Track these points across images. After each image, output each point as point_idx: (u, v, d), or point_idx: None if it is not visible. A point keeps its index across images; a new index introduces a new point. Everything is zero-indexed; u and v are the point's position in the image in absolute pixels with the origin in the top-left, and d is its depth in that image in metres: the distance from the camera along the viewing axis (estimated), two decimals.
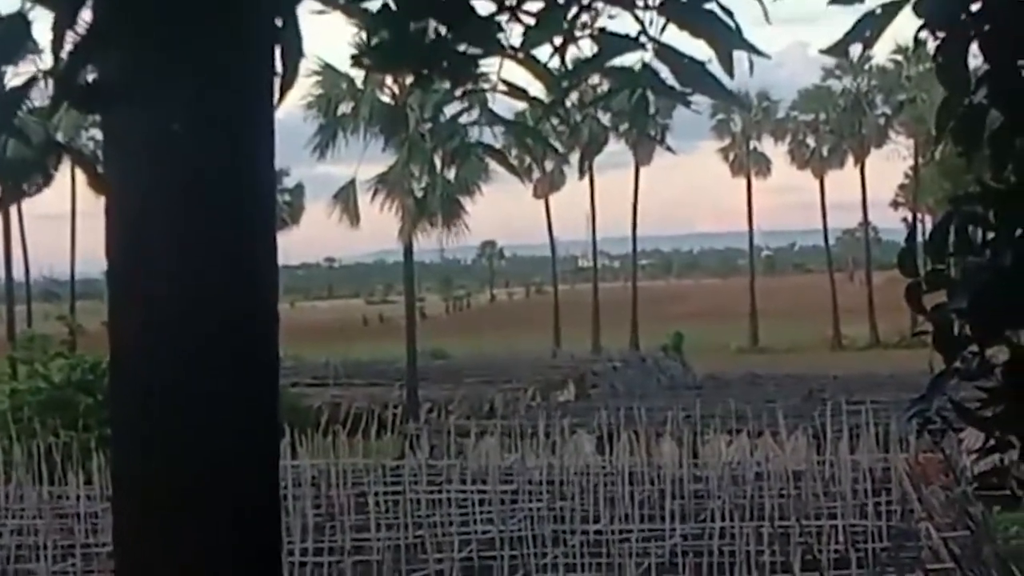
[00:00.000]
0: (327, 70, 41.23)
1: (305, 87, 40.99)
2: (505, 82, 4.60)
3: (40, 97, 4.36)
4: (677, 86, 4.01)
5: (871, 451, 25.18)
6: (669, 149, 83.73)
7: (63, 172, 70.88)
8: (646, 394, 41.59)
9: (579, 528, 19.68)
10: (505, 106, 4.92)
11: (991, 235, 3.73)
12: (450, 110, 5.60)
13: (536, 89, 4.54)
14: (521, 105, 4.97)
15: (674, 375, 54.21)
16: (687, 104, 4.18)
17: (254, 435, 4.56)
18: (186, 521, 4.46)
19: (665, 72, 4.03)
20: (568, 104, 4.82)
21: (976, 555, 20.08)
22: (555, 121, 5.81)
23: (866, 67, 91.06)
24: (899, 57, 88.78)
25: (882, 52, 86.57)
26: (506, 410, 41.64)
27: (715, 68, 3.90)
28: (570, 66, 4.35)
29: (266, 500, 4.66)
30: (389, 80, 40.52)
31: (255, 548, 4.60)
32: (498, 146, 5.50)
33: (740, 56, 4.11)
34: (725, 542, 18.16)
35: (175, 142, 4.32)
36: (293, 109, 42.21)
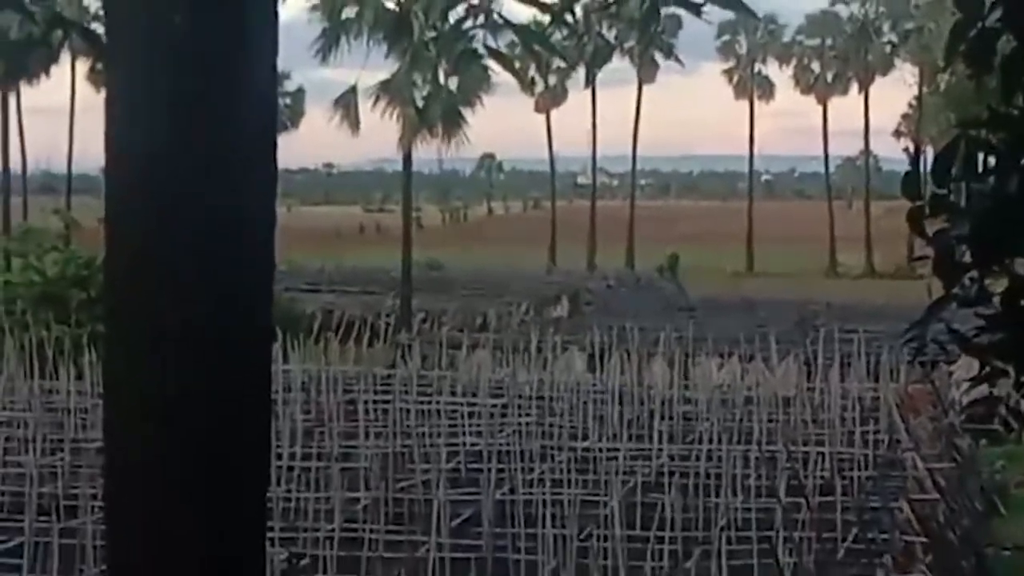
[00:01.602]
0: None
1: None
2: None
3: None
4: None
5: (861, 380, 25.25)
6: (678, 60, 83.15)
7: (63, 65, 70.72)
8: (639, 314, 41.63)
9: (567, 444, 19.74)
10: (511, 16, 4.87)
11: (996, 161, 3.69)
12: (456, 19, 5.54)
13: None
14: (526, 17, 4.93)
15: (668, 296, 54.23)
16: (698, 14, 4.13)
17: (246, 336, 4.55)
18: (176, 419, 4.45)
19: None
20: (576, 13, 4.78)
21: (961, 487, 20.17)
22: (562, 32, 5.75)
23: None
24: None
25: None
26: (499, 324, 41.72)
27: None
28: None
29: (256, 401, 4.66)
30: None
31: (245, 448, 4.60)
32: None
33: None
34: (712, 464, 18.22)
35: (176, 34, 4.27)
36: (297, 12, 41.96)
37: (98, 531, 13.93)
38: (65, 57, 65.60)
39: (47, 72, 65.09)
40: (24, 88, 67.40)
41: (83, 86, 72.13)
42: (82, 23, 40.82)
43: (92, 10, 56.87)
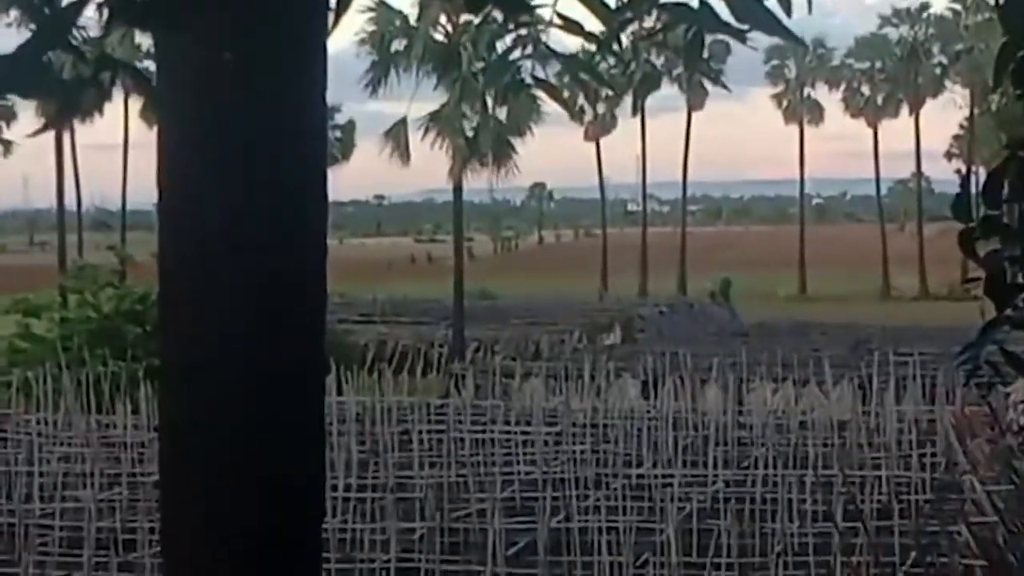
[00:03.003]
0: (380, 6, 41.19)
1: (358, 23, 40.99)
2: (560, 15, 4.57)
3: (95, 26, 4.36)
4: (733, 22, 3.96)
5: (917, 402, 25.09)
6: (724, 86, 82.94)
7: (116, 102, 71.36)
8: (692, 340, 41.52)
9: (621, 472, 19.70)
10: (558, 46, 4.89)
11: None
12: (503, 48, 5.57)
13: (592, 25, 4.50)
14: (574, 46, 4.95)
15: (721, 321, 54.08)
16: (743, 40, 4.13)
17: (301, 370, 4.57)
18: (231, 455, 4.48)
19: (722, 9, 3.98)
20: (623, 42, 4.79)
21: (1020, 508, 19.99)
22: (609, 60, 5.77)
23: (923, 15, 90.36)
24: (957, 6, 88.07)
25: (940, 1, 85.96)
26: (552, 352, 41.68)
27: (773, 6, 3.85)
28: (626, 0, 4.31)
29: (312, 435, 4.67)
30: (443, 18, 40.43)
31: (301, 480, 4.62)
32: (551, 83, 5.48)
33: (798, 2, 4.06)
34: (768, 489, 18.14)
35: (227, 71, 4.31)
36: (346, 45, 42.24)
37: (156, 564, 13.99)
38: (118, 94, 66.20)
39: (100, 110, 65.64)
40: (78, 125, 68.06)
41: (136, 123, 72.85)
42: (132, 63, 41.21)
43: (144, 47, 57.37)
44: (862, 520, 15.15)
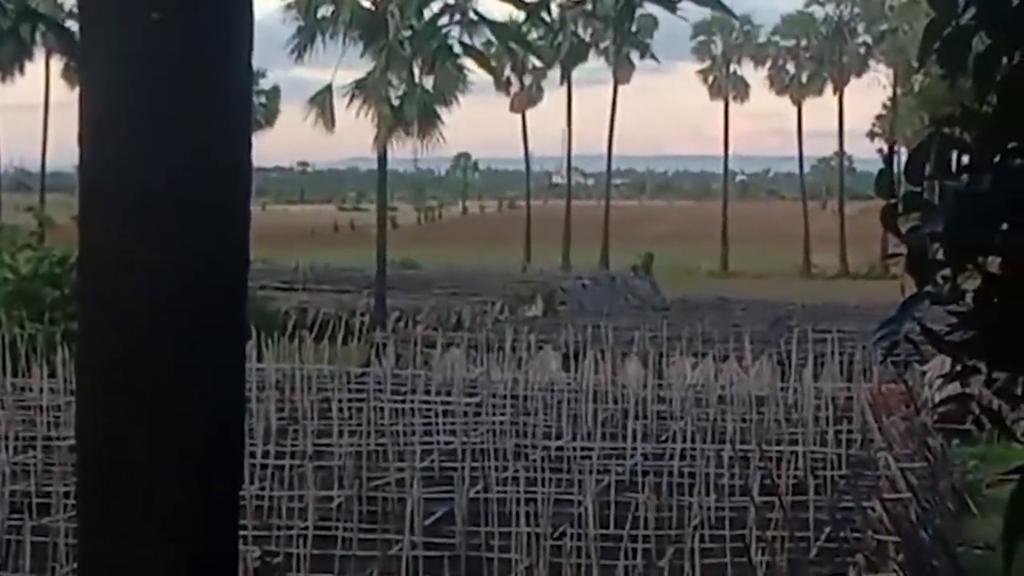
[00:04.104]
0: None
1: None
2: None
3: None
4: None
5: (834, 379, 25.31)
6: (654, 58, 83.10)
7: (37, 61, 70.49)
8: (614, 313, 41.66)
9: (541, 443, 19.74)
10: (487, 14, 4.87)
11: (969, 159, 3.71)
12: (431, 16, 5.54)
13: None
14: (500, 15, 4.92)
15: (643, 295, 54.25)
16: (673, 10, 4.14)
17: (221, 336, 4.54)
18: (150, 418, 4.44)
19: None
20: (552, 11, 4.78)
21: (933, 486, 20.25)
22: (538, 31, 5.75)
23: None
24: None
25: None
26: (473, 323, 41.69)
27: None
28: None
29: (231, 401, 4.65)
30: None
31: (219, 446, 4.59)
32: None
33: None
34: (685, 463, 18.24)
35: (152, 31, 4.26)
36: (272, 10, 41.92)
37: (70, 529, 13.89)
38: (39, 54, 65.44)
39: (21, 69, 64.95)
40: None
41: (57, 83, 71.98)
42: (54, 19, 40.70)
43: (67, 7, 56.70)
44: (778, 495, 15.27)
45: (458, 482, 16.09)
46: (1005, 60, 3.65)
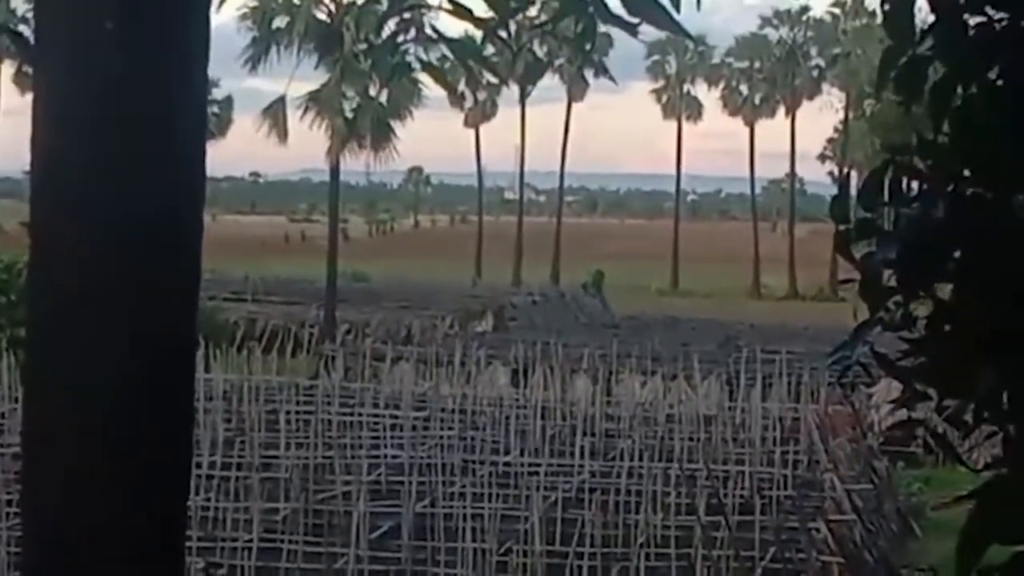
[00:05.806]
0: None
1: None
2: (451, 0, 4.55)
3: None
4: (625, 15, 3.98)
5: (782, 400, 25.40)
6: (611, 78, 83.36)
7: None
8: (564, 330, 41.68)
9: (489, 459, 19.73)
10: (443, 31, 4.88)
11: (922, 188, 3.74)
12: (389, 33, 5.54)
13: (480, 10, 4.49)
14: (455, 31, 4.94)
15: (593, 313, 54.32)
16: (634, 34, 4.15)
17: (171, 344, 4.52)
18: (98, 428, 4.41)
19: (612, 1, 4.00)
20: (511, 30, 4.79)
21: (878, 508, 20.37)
22: (494, 47, 5.77)
23: (803, 18, 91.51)
24: (836, 10, 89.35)
25: (820, 4, 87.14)
26: (423, 337, 41.61)
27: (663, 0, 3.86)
28: None
29: (179, 410, 4.62)
30: None
31: (166, 456, 4.56)
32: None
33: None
34: (633, 481, 18.27)
35: (106, 39, 4.24)
36: (227, 20, 41.79)
37: (13, 538, 13.78)
38: None
39: None
40: None
41: (8, 88, 71.55)
42: (8, 24, 40.50)
43: (20, 12, 56.39)
44: (724, 514, 15.32)
45: (405, 496, 16.07)
46: (960, 89, 3.67)
